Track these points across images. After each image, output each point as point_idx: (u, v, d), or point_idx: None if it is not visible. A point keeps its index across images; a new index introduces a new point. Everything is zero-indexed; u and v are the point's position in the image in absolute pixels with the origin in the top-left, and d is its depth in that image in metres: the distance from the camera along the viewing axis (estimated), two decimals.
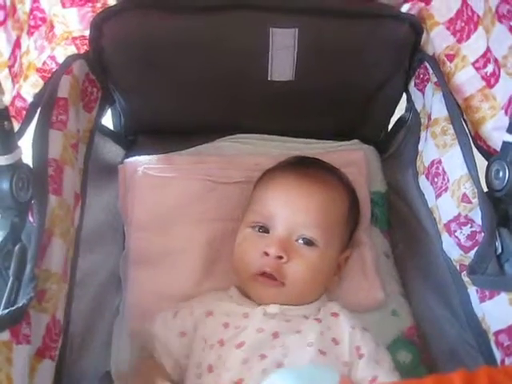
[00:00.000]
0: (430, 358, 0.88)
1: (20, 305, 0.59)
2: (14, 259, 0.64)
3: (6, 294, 0.61)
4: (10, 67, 0.71)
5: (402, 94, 1.01)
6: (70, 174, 0.77)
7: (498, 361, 0.69)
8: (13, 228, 0.67)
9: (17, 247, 0.65)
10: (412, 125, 0.98)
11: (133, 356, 0.86)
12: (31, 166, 0.70)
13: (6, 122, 0.65)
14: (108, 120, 1.05)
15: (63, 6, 0.83)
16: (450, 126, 0.81)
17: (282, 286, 0.81)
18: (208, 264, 0.92)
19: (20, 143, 0.70)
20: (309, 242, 0.82)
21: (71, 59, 0.84)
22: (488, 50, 0.77)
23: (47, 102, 0.76)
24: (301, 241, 0.82)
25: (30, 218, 0.70)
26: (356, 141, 1.09)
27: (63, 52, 0.87)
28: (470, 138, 0.80)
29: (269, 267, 0.80)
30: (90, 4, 0.85)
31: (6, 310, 0.57)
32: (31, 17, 0.77)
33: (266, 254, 0.80)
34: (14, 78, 0.73)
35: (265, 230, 0.84)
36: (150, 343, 0.80)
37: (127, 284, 0.93)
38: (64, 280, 0.73)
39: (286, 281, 0.80)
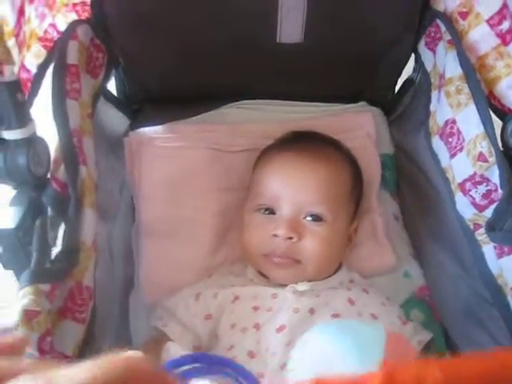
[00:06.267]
0: (443, 316, 0.89)
1: (66, 266, 0.60)
2: (35, 234, 0.63)
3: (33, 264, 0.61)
4: (16, 36, 0.68)
5: (410, 54, 0.99)
6: (89, 144, 0.76)
7: None
8: (31, 203, 0.65)
9: (37, 222, 0.64)
10: (421, 85, 0.97)
11: (150, 328, 0.85)
12: (57, 138, 0.69)
13: (18, 94, 0.62)
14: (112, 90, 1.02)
15: None
16: (465, 85, 0.80)
17: (298, 263, 0.80)
18: (221, 234, 0.92)
19: None
20: (317, 218, 0.81)
21: (75, 24, 0.81)
22: (504, 6, 0.76)
23: (58, 70, 0.73)
24: (309, 218, 0.81)
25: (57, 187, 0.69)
26: (363, 103, 1.08)
27: (64, 20, 0.83)
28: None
29: (280, 249, 0.80)
30: None
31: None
32: None
33: (276, 235, 0.80)
34: (20, 47, 0.70)
35: (271, 211, 0.83)
36: (166, 320, 0.79)
37: (140, 256, 0.92)
38: (93, 248, 0.72)
39: (300, 258, 0.80)
